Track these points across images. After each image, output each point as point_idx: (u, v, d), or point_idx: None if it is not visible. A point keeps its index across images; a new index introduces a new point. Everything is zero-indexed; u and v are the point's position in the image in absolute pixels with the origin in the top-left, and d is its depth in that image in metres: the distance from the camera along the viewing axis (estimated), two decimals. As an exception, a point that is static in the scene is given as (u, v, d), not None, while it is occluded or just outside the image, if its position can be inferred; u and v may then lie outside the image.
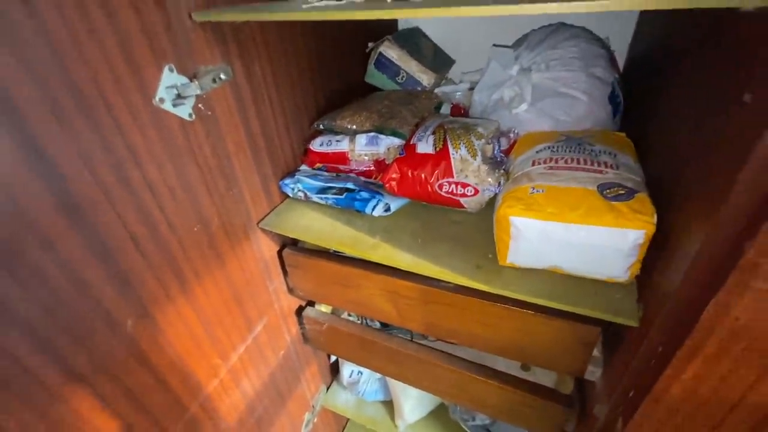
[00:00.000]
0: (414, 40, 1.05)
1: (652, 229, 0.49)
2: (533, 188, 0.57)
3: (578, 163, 0.60)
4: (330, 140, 0.83)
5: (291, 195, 0.82)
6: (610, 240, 0.50)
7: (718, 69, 0.45)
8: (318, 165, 0.86)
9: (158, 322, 0.59)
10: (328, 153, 0.83)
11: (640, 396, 0.51)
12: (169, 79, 0.53)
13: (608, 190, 0.53)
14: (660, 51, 0.71)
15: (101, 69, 0.46)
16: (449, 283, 0.65)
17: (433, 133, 0.75)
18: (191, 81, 0.56)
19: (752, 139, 0.33)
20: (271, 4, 0.60)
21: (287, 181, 0.81)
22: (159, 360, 0.61)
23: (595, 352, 0.67)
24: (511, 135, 0.79)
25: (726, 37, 0.44)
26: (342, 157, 0.82)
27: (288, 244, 0.86)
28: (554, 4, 0.36)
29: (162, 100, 0.53)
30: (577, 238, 0.52)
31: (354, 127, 0.82)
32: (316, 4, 0.52)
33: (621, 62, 0.94)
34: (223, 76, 0.61)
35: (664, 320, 0.47)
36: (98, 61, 0.45)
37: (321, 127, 0.85)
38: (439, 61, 1.08)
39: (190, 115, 0.57)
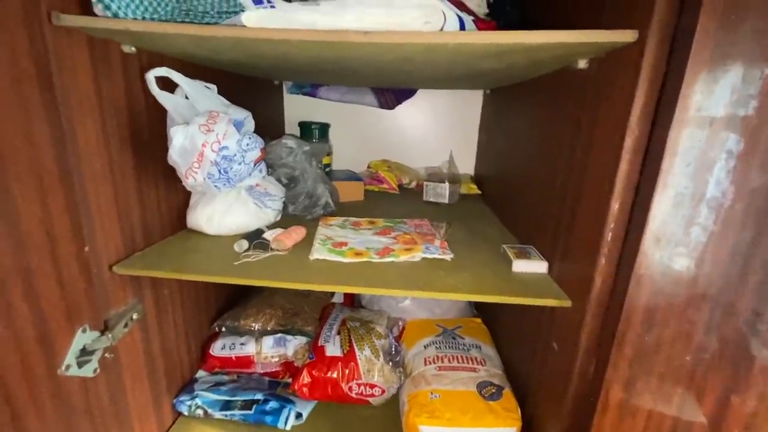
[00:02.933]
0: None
1: (519, 425, 0.65)
2: (432, 393, 0.69)
3: (458, 361, 0.77)
4: (233, 343, 0.83)
5: (187, 413, 0.75)
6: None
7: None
8: (216, 369, 0.83)
9: None
10: (231, 357, 0.82)
11: None
12: (81, 340, 0.50)
13: (485, 390, 0.70)
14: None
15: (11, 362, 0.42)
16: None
17: (338, 332, 0.84)
18: (102, 334, 0.54)
19: (567, 385, 0.53)
20: (184, 252, 0.65)
21: (183, 397, 0.75)
22: None
23: None
24: (400, 323, 0.95)
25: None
26: (247, 361, 0.82)
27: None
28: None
29: (68, 367, 0.49)
30: (471, 438, 0.64)
31: (258, 327, 0.85)
32: (250, 260, 0.61)
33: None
34: (135, 316, 0.60)
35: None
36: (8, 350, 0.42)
37: (223, 329, 0.85)
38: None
39: (95, 371, 0.53)
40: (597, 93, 0.49)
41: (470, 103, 1.23)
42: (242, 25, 0.44)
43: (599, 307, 0.48)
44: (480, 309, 1.04)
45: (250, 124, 0.71)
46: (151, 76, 0.59)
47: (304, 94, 1.23)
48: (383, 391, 0.77)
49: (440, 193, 1.04)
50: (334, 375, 0.77)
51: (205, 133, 0.57)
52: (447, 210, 1.00)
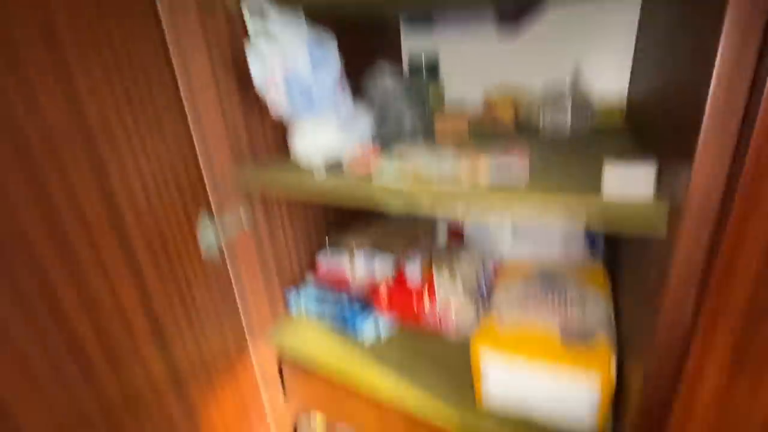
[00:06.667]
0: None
1: (607, 374, 0.51)
2: (504, 320, 0.62)
3: (548, 301, 0.65)
4: (335, 258, 0.94)
5: (294, 313, 0.91)
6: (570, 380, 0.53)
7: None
8: (322, 282, 0.96)
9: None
10: (331, 271, 0.93)
11: None
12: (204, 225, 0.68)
13: (570, 327, 0.58)
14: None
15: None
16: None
17: (422, 260, 0.84)
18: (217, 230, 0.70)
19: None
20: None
21: (292, 299, 0.91)
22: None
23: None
24: (492, 263, 0.86)
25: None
26: (343, 279, 0.91)
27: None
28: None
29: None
30: (541, 378, 0.55)
31: (355, 245, 0.93)
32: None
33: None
34: (244, 219, 0.75)
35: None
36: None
37: (329, 243, 0.97)
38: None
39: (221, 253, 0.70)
40: None
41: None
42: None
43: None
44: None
45: (332, 48, 0.74)
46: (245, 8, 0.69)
47: (421, 29, 1.20)
48: (456, 321, 0.74)
49: (559, 121, 0.86)
50: (410, 294, 0.79)
51: (276, 56, 0.63)
52: (568, 146, 0.81)
